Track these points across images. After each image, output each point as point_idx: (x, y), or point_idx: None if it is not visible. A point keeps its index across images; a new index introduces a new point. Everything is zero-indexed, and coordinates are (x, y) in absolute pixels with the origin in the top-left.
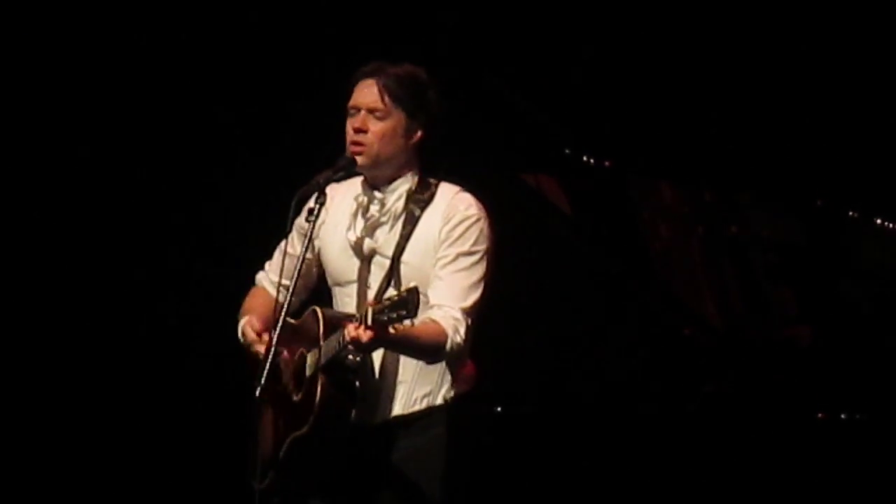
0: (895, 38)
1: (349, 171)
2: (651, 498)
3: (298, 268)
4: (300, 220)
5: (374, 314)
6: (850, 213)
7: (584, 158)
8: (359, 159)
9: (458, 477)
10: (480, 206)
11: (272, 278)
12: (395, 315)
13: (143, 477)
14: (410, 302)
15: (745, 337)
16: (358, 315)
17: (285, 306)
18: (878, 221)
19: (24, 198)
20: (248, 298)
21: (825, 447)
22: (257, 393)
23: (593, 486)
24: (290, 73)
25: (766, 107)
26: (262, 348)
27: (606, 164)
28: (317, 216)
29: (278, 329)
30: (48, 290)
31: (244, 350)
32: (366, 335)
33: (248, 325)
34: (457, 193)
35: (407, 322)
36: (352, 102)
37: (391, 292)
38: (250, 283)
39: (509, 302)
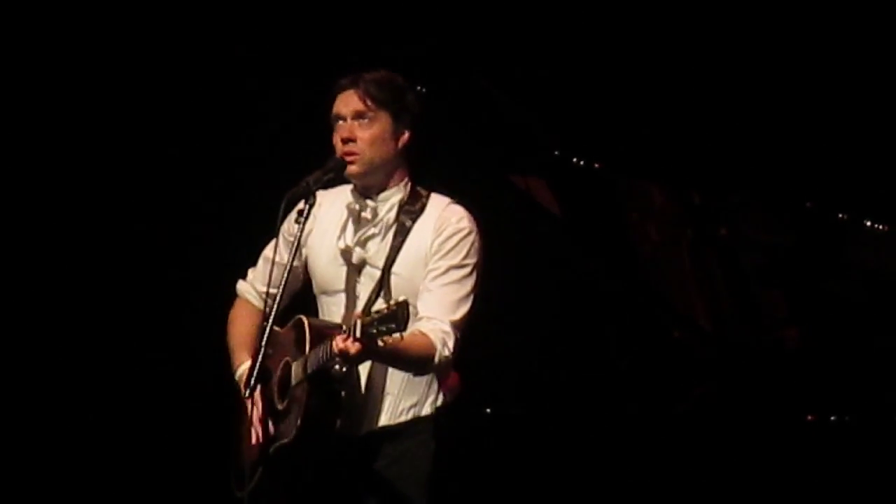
0: (882, 39)
1: (339, 173)
2: (641, 500)
3: (286, 277)
4: (286, 226)
5: (363, 327)
6: (840, 215)
7: (574, 160)
8: (353, 168)
9: (444, 484)
10: (472, 219)
11: (258, 288)
12: (384, 328)
13: (129, 484)
14: (400, 316)
15: (735, 339)
16: (346, 327)
17: (272, 316)
18: (868, 223)
19: (19, 199)
20: (233, 320)
21: (814, 449)
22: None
23: (583, 489)
24: (284, 73)
25: (755, 109)
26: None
27: (596, 166)
28: (306, 218)
29: (265, 339)
30: (39, 295)
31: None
32: (354, 347)
33: (244, 374)
34: (448, 205)
35: (396, 335)
36: (335, 112)
37: (380, 304)
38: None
39: (499, 303)
